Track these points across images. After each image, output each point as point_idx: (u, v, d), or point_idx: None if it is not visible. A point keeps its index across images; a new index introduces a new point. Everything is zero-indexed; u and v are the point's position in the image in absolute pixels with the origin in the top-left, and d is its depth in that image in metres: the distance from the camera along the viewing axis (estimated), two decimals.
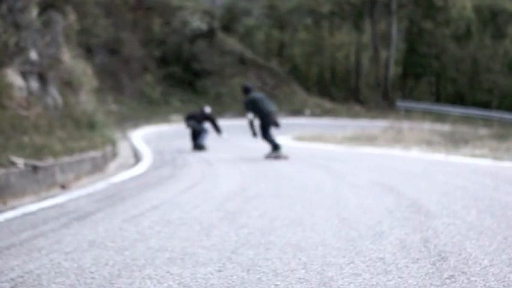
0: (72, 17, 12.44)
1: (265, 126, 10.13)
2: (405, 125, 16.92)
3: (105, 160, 9.18)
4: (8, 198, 5.39)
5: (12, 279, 2.70)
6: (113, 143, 10.76)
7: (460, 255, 3.08)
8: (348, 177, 7.06)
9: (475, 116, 25.52)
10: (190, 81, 30.60)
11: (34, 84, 9.07)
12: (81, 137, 9.00)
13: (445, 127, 18.88)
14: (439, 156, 10.51)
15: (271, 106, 10.29)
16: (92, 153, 8.34)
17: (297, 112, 30.32)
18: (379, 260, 3.00)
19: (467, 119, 24.24)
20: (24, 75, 8.77)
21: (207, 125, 13.01)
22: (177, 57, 30.74)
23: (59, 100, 9.83)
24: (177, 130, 19.74)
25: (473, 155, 10.47)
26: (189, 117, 13.12)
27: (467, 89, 35.54)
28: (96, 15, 26.61)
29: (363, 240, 3.43)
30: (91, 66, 13.66)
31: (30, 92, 8.74)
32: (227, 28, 35.65)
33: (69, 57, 11.53)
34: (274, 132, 10.72)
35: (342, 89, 38.06)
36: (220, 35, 33.58)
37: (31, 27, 9.32)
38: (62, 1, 13.66)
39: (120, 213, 4.43)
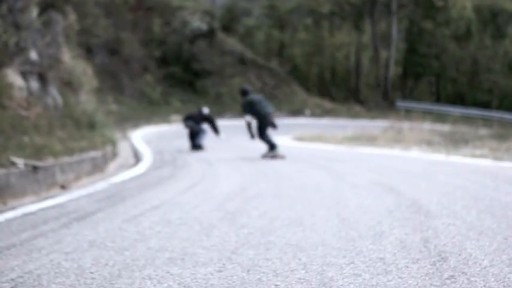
0: (72, 17, 12.44)
1: (263, 127, 10.33)
2: (405, 125, 16.92)
3: (105, 160, 9.18)
4: (8, 199, 5.39)
5: (12, 280, 2.70)
6: (113, 143, 10.76)
7: (460, 255, 3.08)
8: (348, 177, 7.06)
9: (475, 116, 25.52)
10: (190, 81, 30.61)
11: (34, 84, 9.07)
12: (81, 137, 9.00)
13: (445, 127, 18.89)
14: (439, 157, 10.51)
15: (268, 108, 10.48)
16: (92, 153, 8.34)
17: (297, 112, 30.31)
18: (379, 260, 3.00)
19: (467, 119, 24.24)
20: (24, 75, 8.77)
21: (205, 126, 13.07)
22: (177, 57, 30.74)
23: (59, 100, 9.83)
24: (177, 130, 19.73)
25: (474, 155, 10.47)
26: (187, 117, 13.19)
27: (468, 89, 35.53)
28: (96, 15, 26.61)
29: (363, 241, 3.43)
30: (91, 66, 13.67)
31: (30, 92, 8.74)
32: (227, 28, 35.65)
33: (69, 57, 11.54)
34: (272, 132, 10.78)
35: (342, 89, 38.05)
36: (220, 35, 33.58)
37: (31, 27, 9.33)
38: (62, 1, 13.66)
39: (120, 214, 4.43)
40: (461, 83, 36.25)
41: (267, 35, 38.67)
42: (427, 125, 17.39)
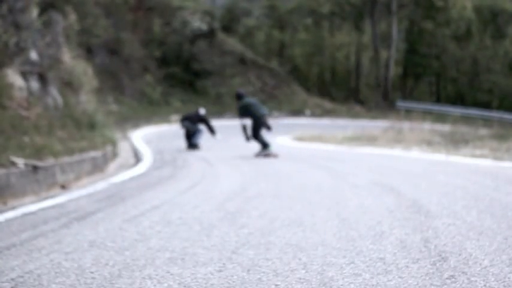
0: (72, 17, 12.43)
1: (257, 128, 10.82)
2: (405, 125, 16.92)
3: (106, 160, 9.18)
4: (8, 198, 5.39)
5: (12, 279, 2.70)
6: (113, 143, 10.76)
7: (460, 255, 3.08)
8: (348, 178, 7.06)
9: (475, 116, 25.50)
10: (190, 82, 30.60)
11: (34, 84, 9.07)
12: (82, 137, 9.00)
13: (446, 127, 18.86)
14: (439, 157, 10.51)
15: (263, 109, 11.00)
16: (92, 153, 8.34)
17: (297, 112, 30.30)
18: (379, 260, 3.00)
19: (467, 119, 24.21)
20: (24, 75, 8.77)
21: (202, 126, 13.32)
22: (177, 58, 30.73)
23: (59, 100, 9.83)
24: (177, 130, 19.68)
25: (474, 155, 10.47)
26: (184, 118, 13.48)
27: (468, 89, 35.51)
28: (96, 16, 26.60)
29: (363, 241, 3.43)
30: (91, 66, 13.66)
31: (30, 92, 8.74)
32: (227, 28, 35.62)
33: (69, 58, 11.53)
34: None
35: (342, 89, 38.03)
36: (221, 35, 33.57)
37: (31, 28, 9.32)
38: (62, 1, 13.66)
39: (121, 214, 4.44)
40: (462, 83, 36.23)
41: (267, 35, 38.63)
42: (427, 125, 17.38)
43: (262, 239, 3.49)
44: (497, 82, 33.22)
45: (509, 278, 2.69)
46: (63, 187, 6.53)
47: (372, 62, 38.42)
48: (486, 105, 30.26)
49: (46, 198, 5.47)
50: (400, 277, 2.71)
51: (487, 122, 23.13)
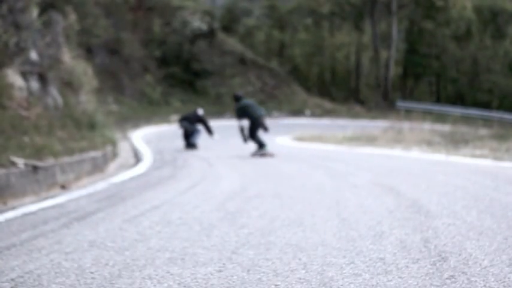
0: (72, 17, 12.42)
1: (254, 129, 11.10)
2: (405, 125, 16.91)
3: (106, 160, 9.18)
4: (8, 198, 5.39)
5: (12, 279, 2.70)
6: (113, 143, 10.77)
7: (460, 255, 3.08)
8: (348, 178, 7.06)
9: (475, 116, 25.50)
10: (190, 82, 30.59)
11: (34, 84, 9.07)
12: (82, 137, 9.00)
13: (446, 127, 18.86)
14: (439, 157, 10.51)
15: (260, 111, 11.32)
16: (92, 154, 8.34)
17: (297, 112, 30.30)
18: (379, 260, 3.00)
19: (467, 119, 24.21)
20: (24, 75, 8.77)
21: (200, 126, 13.47)
22: (177, 58, 30.73)
23: (59, 100, 9.83)
24: (177, 130, 19.64)
25: (474, 155, 10.47)
26: (182, 118, 13.64)
27: (468, 89, 35.50)
28: (96, 16, 26.59)
29: (363, 241, 3.43)
30: (91, 66, 13.65)
31: (30, 92, 8.74)
32: (227, 28, 35.62)
33: (69, 58, 11.53)
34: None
35: (342, 89, 38.02)
36: (221, 35, 33.56)
37: (31, 28, 9.32)
38: (62, 1, 13.66)
39: (121, 214, 4.44)
40: (462, 83, 36.22)
41: (267, 35, 38.62)
42: (427, 125, 17.37)
43: (262, 239, 3.49)
44: (497, 82, 33.21)
45: (509, 278, 2.69)
46: (63, 187, 6.53)
47: (372, 62, 38.41)
48: (486, 105, 30.25)
49: (46, 198, 5.47)
50: (400, 277, 2.71)
51: (487, 122, 23.12)
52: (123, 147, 12.66)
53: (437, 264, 2.91)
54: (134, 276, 2.74)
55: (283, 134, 17.86)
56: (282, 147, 13.83)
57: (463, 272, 2.77)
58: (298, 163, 9.46)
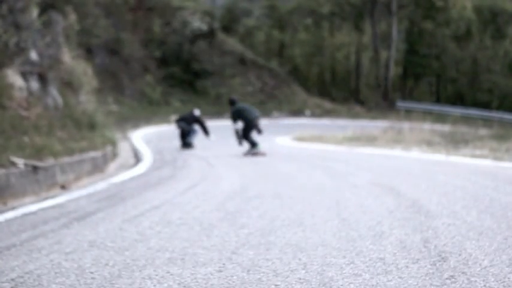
0: (72, 17, 12.42)
1: (248, 130, 11.51)
2: (405, 125, 16.90)
3: (106, 160, 9.18)
4: (8, 199, 5.39)
5: (12, 280, 2.70)
6: (113, 143, 10.77)
7: (460, 255, 3.08)
8: (348, 178, 7.06)
9: (475, 117, 25.51)
10: (190, 82, 30.59)
11: (34, 84, 9.07)
12: (82, 138, 9.00)
13: (445, 127, 18.86)
14: (439, 157, 10.51)
15: (254, 113, 11.73)
16: (92, 154, 8.34)
17: (297, 112, 30.29)
18: (379, 260, 3.00)
19: (467, 120, 24.21)
20: (24, 75, 8.77)
21: (196, 127, 13.57)
22: (177, 58, 30.73)
23: (59, 100, 9.83)
24: (176, 130, 19.72)
25: (474, 156, 10.47)
26: (179, 119, 13.81)
27: (468, 89, 35.49)
28: (96, 16, 26.60)
29: (363, 241, 3.43)
30: (91, 66, 13.65)
31: (30, 93, 8.74)
32: (227, 28, 35.61)
33: (69, 58, 11.53)
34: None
35: (342, 90, 38.01)
36: (221, 36, 33.56)
37: (31, 28, 9.32)
38: (62, 1, 13.66)
39: (121, 214, 4.44)
40: (461, 83, 36.22)
41: (267, 35, 38.61)
42: (427, 125, 17.37)
43: (262, 239, 3.49)
44: (497, 82, 33.20)
45: (509, 278, 2.69)
46: (63, 187, 6.53)
47: (371, 62, 38.41)
48: (486, 106, 30.25)
49: (46, 198, 5.47)
50: (400, 277, 2.71)
51: (487, 122, 23.12)
52: (123, 148, 12.67)
53: (437, 265, 2.91)
54: (134, 276, 2.75)
55: (283, 134, 17.86)
56: (282, 148, 13.83)
57: (463, 272, 2.77)
58: (298, 163, 9.46)
